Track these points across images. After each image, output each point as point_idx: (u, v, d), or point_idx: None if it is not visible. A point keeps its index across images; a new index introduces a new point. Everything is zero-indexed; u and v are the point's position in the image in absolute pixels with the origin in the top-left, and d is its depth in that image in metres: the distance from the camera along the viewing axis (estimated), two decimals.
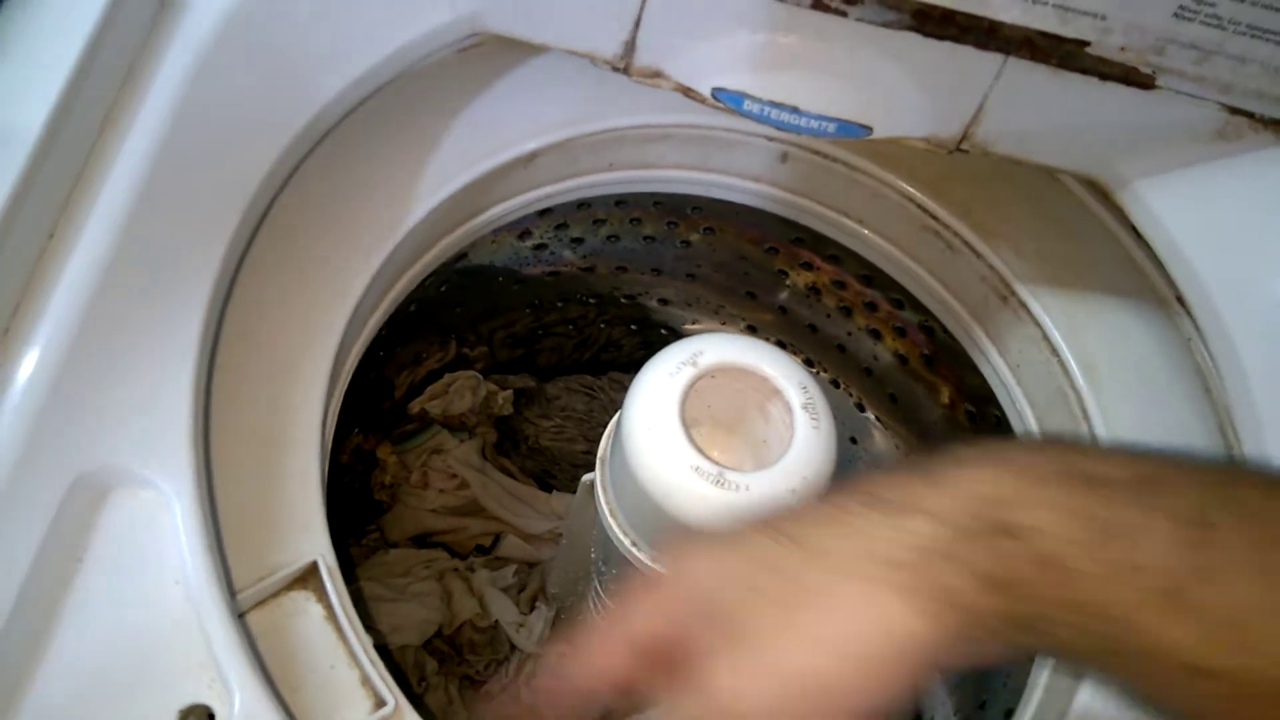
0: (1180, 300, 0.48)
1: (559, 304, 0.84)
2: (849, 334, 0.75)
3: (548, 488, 0.88)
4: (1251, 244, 0.42)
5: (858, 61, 0.43)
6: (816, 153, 0.58)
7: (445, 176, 0.52)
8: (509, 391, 0.88)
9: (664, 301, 0.84)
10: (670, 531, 0.46)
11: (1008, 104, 0.43)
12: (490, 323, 0.85)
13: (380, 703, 0.38)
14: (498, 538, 0.81)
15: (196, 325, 0.36)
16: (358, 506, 0.84)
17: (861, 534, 0.29)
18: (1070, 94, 0.41)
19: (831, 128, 0.45)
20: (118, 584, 0.34)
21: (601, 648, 0.33)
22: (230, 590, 0.36)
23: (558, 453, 0.91)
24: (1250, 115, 0.41)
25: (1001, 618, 0.28)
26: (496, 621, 0.75)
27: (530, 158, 0.55)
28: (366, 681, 0.39)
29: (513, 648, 0.76)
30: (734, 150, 0.59)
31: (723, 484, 0.44)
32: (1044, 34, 0.40)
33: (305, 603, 0.40)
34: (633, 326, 0.90)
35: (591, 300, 0.85)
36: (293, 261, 0.46)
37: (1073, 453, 0.30)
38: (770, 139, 0.58)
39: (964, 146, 0.45)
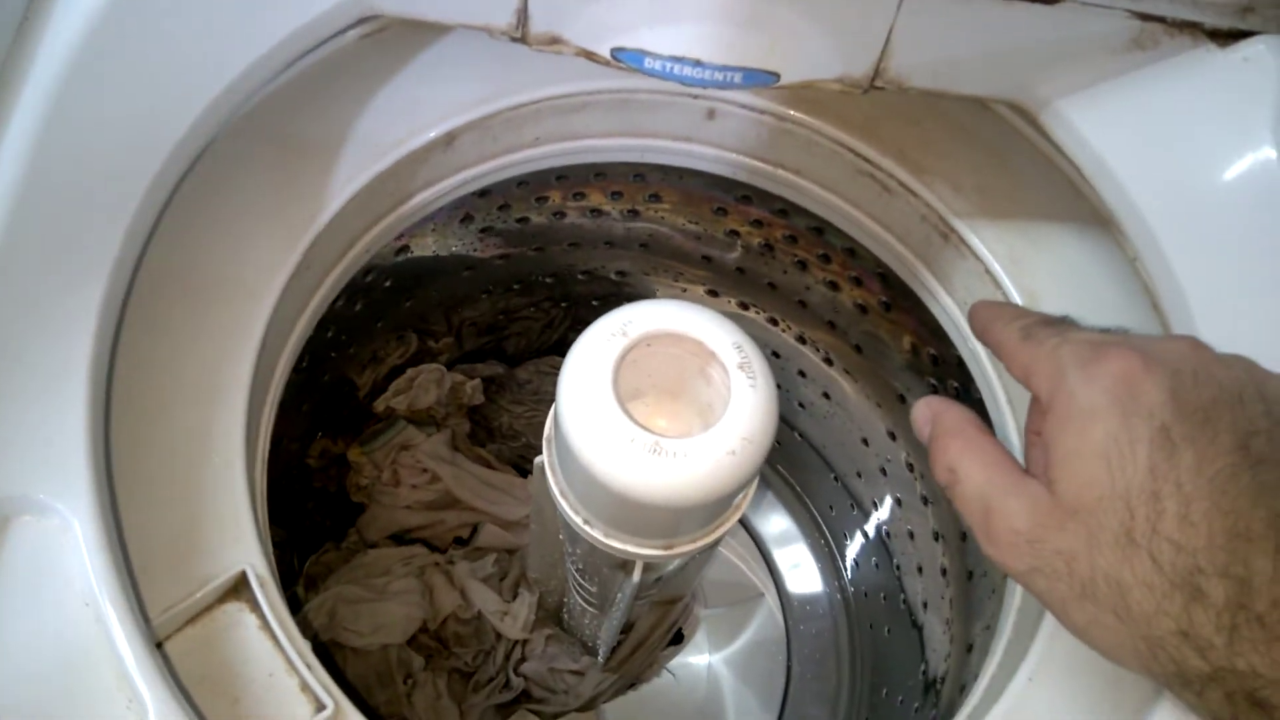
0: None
1: (516, 286, 0.83)
2: (807, 288, 0.73)
3: (526, 473, 0.87)
4: (1178, 152, 0.41)
5: (756, 7, 0.41)
6: (743, 106, 0.57)
7: (359, 167, 0.51)
8: (477, 381, 0.87)
9: (622, 274, 0.83)
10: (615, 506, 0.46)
11: (915, 35, 0.41)
12: (450, 313, 0.84)
13: (320, 706, 0.38)
14: (476, 528, 0.81)
15: (87, 345, 0.35)
16: (336, 511, 0.83)
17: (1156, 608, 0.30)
18: (976, 17, 0.40)
19: (738, 78, 0.43)
20: (25, 612, 0.33)
21: None
22: (143, 608, 0.35)
23: (533, 437, 0.90)
24: (1162, 20, 0.39)
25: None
26: (480, 612, 0.75)
27: (449, 139, 0.54)
28: (306, 687, 0.38)
29: (499, 636, 0.75)
30: (658, 112, 0.58)
31: (659, 452, 0.43)
32: None
33: (239, 614, 0.40)
34: (595, 302, 0.89)
35: (549, 279, 0.84)
36: (194, 269, 0.45)
37: None
38: (695, 97, 0.57)
39: (878, 84, 0.44)
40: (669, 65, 0.43)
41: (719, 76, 0.43)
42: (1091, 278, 0.50)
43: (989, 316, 0.40)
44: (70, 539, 0.34)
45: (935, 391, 0.68)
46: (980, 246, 0.52)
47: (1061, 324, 0.36)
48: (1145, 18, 0.39)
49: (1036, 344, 0.35)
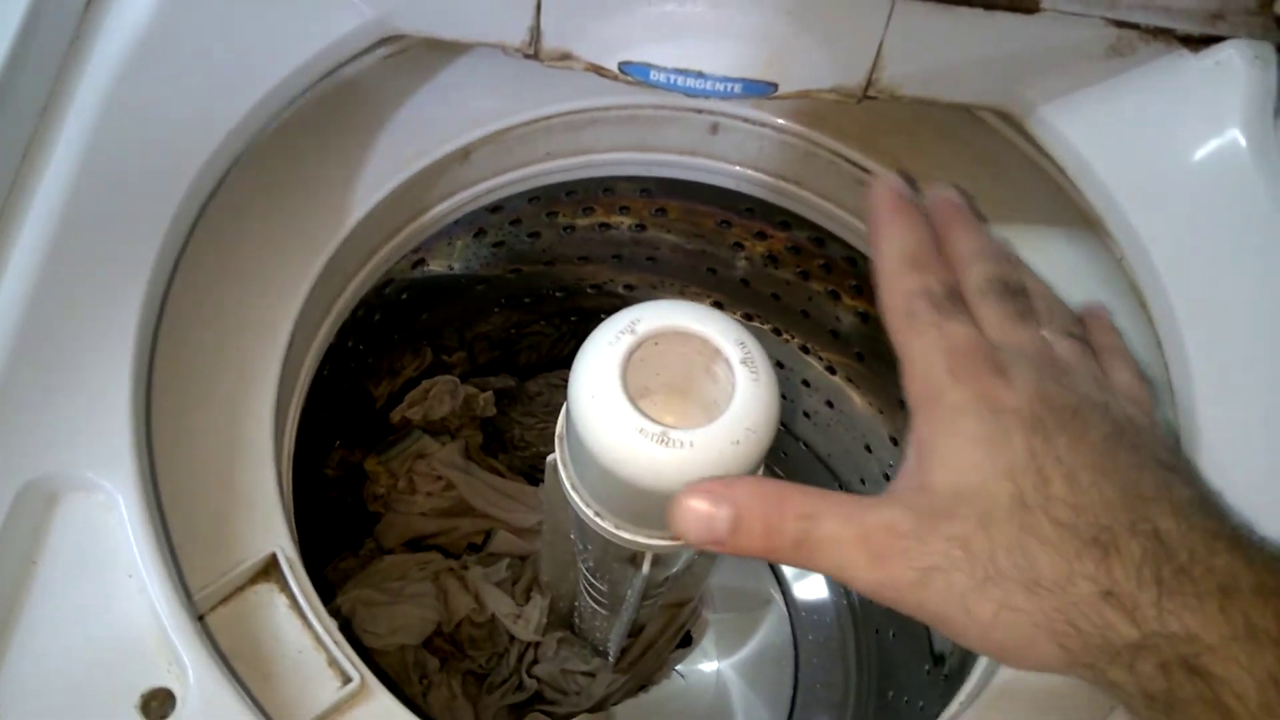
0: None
1: (527, 300, 0.86)
2: (809, 298, 0.76)
3: (536, 483, 0.89)
4: (1155, 150, 0.43)
5: (754, 21, 0.44)
6: (745, 120, 0.59)
7: (380, 179, 0.54)
8: (489, 393, 0.89)
9: (630, 288, 0.86)
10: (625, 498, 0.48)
11: (904, 46, 0.44)
12: (463, 327, 0.87)
13: (347, 679, 0.40)
14: (489, 534, 0.83)
15: (131, 333, 0.38)
16: (354, 521, 0.85)
17: (1068, 579, 0.28)
18: (961, 28, 0.42)
19: (737, 88, 0.46)
20: (74, 581, 0.35)
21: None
22: (183, 580, 0.37)
23: (544, 448, 0.92)
24: (1137, 27, 0.42)
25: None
26: (493, 615, 0.76)
27: (464, 153, 0.57)
28: (333, 662, 0.40)
29: (512, 639, 0.77)
30: (665, 127, 0.61)
31: (667, 443, 0.45)
32: None
33: (269, 594, 0.42)
34: (603, 316, 0.91)
35: (559, 294, 0.86)
36: (228, 271, 0.47)
37: None
38: (699, 111, 0.60)
39: (871, 93, 0.46)
40: (673, 77, 0.46)
41: (720, 87, 0.46)
42: (1079, 278, 0.52)
43: (883, 242, 0.38)
44: (116, 515, 0.36)
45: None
46: None
47: (948, 302, 0.35)
48: (1121, 25, 0.42)
49: (914, 330, 0.35)
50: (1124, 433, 0.32)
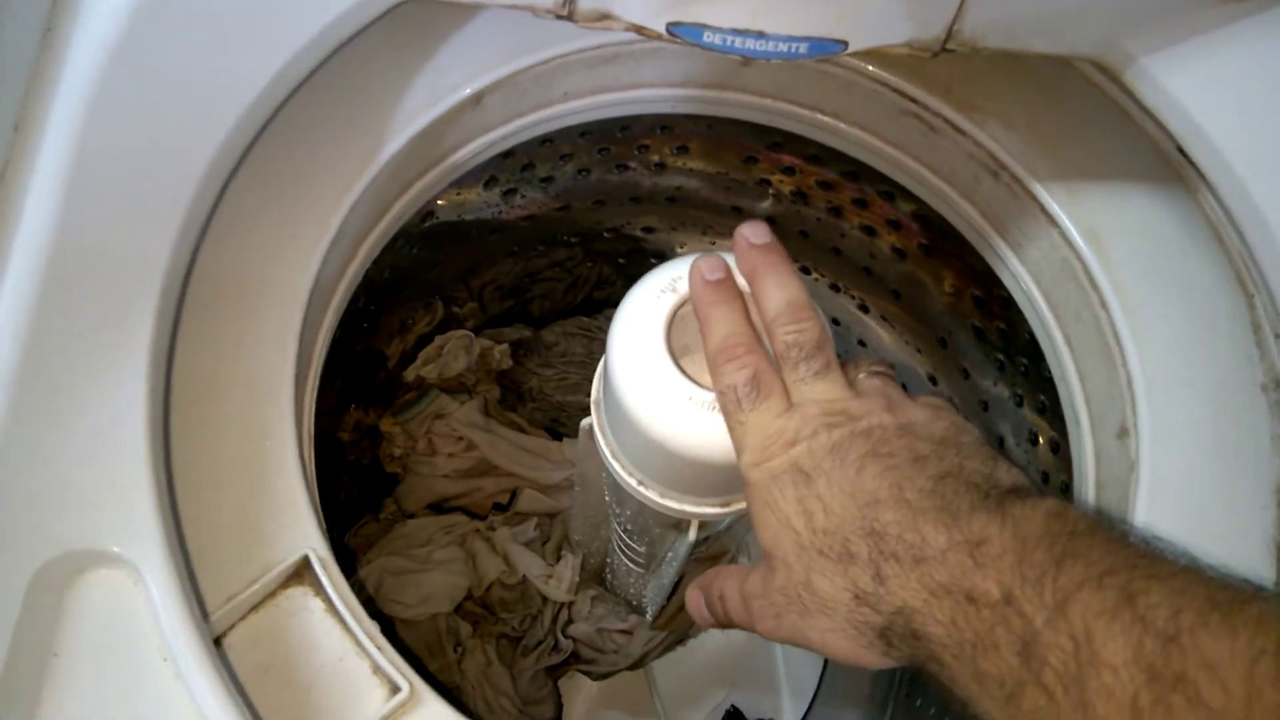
0: (1187, 157, 0.44)
1: (540, 247, 0.82)
2: (842, 235, 0.72)
3: (558, 436, 0.86)
4: (1272, 111, 0.38)
5: None
6: None
7: (391, 133, 0.49)
8: (505, 345, 0.85)
9: (649, 230, 0.81)
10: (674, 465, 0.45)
11: None
12: (475, 277, 0.83)
13: (395, 689, 0.37)
14: (514, 493, 0.80)
15: (143, 376, 0.34)
16: (371, 482, 0.83)
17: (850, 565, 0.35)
18: None
19: (803, 48, 0.41)
20: (100, 672, 0.32)
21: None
22: (203, 607, 0.34)
23: (564, 399, 0.89)
24: None
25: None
26: (524, 576, 0.74)
27: (477, 98, 0.52)
28: (378, 670, 0.37)
29: (545, 600, 0.75)
30: (692, 60, 0.56)
31: (718, 409, 0.42)
32: None
33: (304, 599, 0.39)
34: (620, 260, 0.87)
35: (574, 239, 0.82)
36: (242, 247, 0.43)
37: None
38: None
39: (950, 46, 0.41)
40: (730, 39, 0.41)
41: (784, 48, 0.41)
42: (1152, 212, 0.48)
43: (704, 338, 0.42)
44: (141, 591, 0.32)
45: (978, 334, 0.66)
46: (1035, 185, 0.50)
47: (752, 392, 0.39)
48: None
49: (730, 425, 0.40)
50: (882, 444, 0.36)
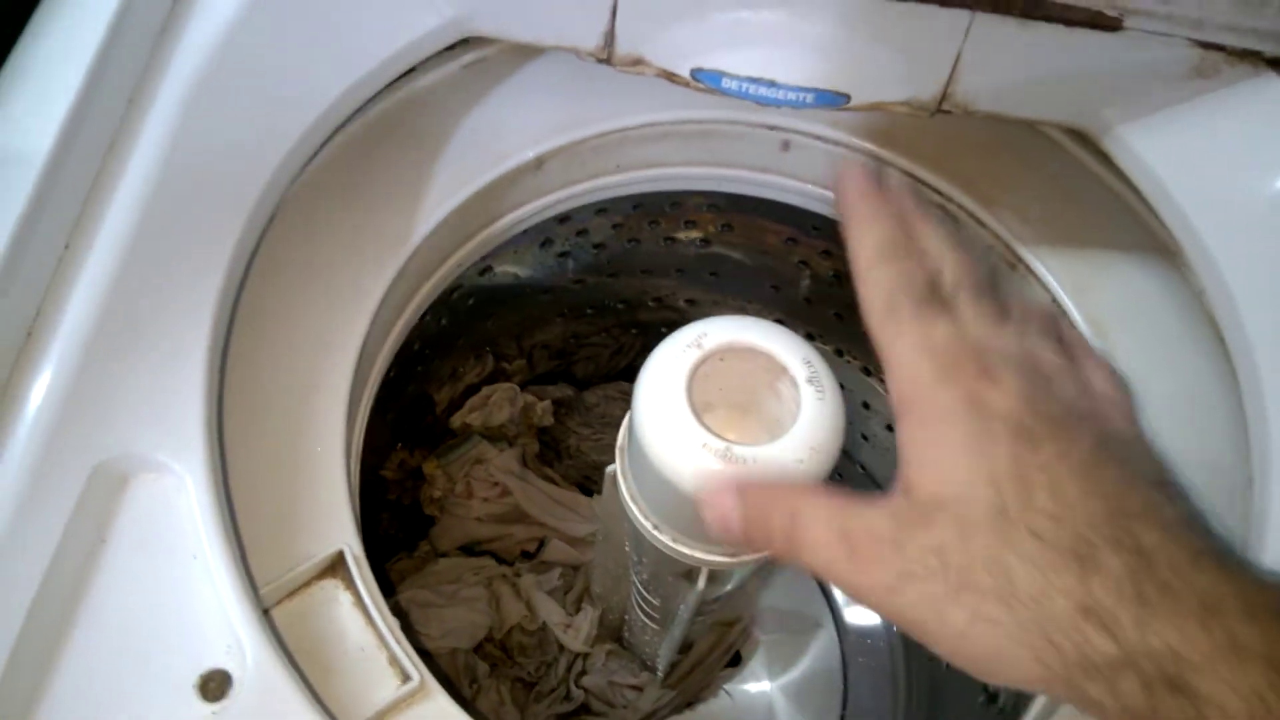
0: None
1: (589, 311, 0.86)
2: None
3: (590, 493, 0.89)
4: (1238, 177, 0.42)
5: (829, 31, 0.44)
6: (818, 138, 0.59)
7: (456, 186, 0.55)
8: (548, 402, 0.90)
9: (691, 302, 0.86)
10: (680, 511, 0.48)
11: (981, 59, 0.43)
12: (525, 335, 0.88)
13: (407, 678, 0.40)
14: (542, 542, 0.83)
15: (206, 326, 0.39)
16: (410, 523, 0.87)
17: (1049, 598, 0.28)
18: (1040, 43, 0.42)
19: (810, 98, 0.46)
20: (140, 561, 0.36)
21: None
22: (247, 566, 0.38)
23: (598, 459, 0.93)
24: (1222, 49, 0.41)
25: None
26: (544, 623, 0.77)
27: (538, 163, 0.57)
28: (395, 661, 0.41)
29: (561, 648, 0.77)
30: (737, 143, 0.61)
31: (729, 459, 0.45)
32: None
33: (335, 590, 0.42)
34: (663, 329, 0.91)
35: (620, 306, 0.87)
36: (303, 269, 0.48)
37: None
38: (771, 128, 0.60)
39: (945, 107, 0.46)
40: (745, 85, 0.46)
41: (792, 96, 0.46)
42: (1156, 307, 0.51)
43: (858, 232, 0.37)
44: (185, 498, 0.37)
45: None
46: (1046, 275, 0.53)
47: (929, 298, 0.34)
48: (1206, 46, 0.41)
49: (896, 328, 0.34)
50: (1110, 445, 0.31)
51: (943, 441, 0.31)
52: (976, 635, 0.28)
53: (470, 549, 0.83)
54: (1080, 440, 0.30)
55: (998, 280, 0.38)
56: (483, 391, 0.84)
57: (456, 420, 0.84)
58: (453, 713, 0.40)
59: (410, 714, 0.40)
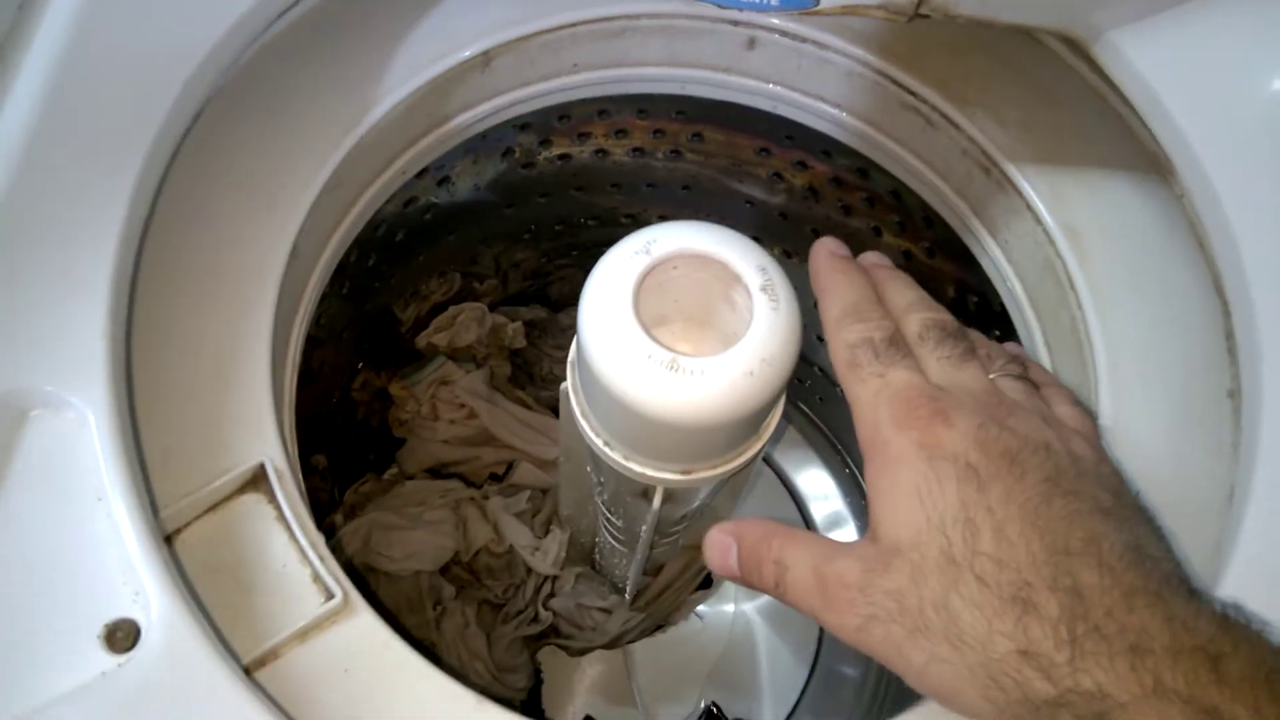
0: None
1: (558, 228, 0.83)
2: (850, 234, 0.72)
3: None
4: (1233, 89, 0.39)
5: None
6: (785, 34, 0.56)
7: (397, 83, 0.51)
8: (519, 323, 0.87)
9: (664, 218, 0.82)
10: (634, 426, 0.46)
11: None
12: (500, 254, 0.85)
13: (330, 595, 0.38)
14: (511, 465, 0.81)
15: (112, 246, 0.36)
16: (380, 445, 0.85)
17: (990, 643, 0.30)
18: None
19: (774, 1, 0.42)
20: (39, 504, 0.34)
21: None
22: (153, 503, 0.36)
23: None
24: None
25: None
26: (511, 546, 0.75)
27: (485, 60, 0.54)
28: (317, 578, 0.39)
29: (529, 571, 0.76)
30: (698, 40, 0.57)
31: (677, 370, 0.43)
32: None
33: (256, 505, 0.41)
34: None
35: (592, 222, 0.84)
36: (227, 177, 0.45)
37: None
38: (734, 24, 0.56)
39: (923, 11, 0.42)
40: None
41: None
42: (1136, 214, 0.48)
43: (826, 297, 0.40)
44: (86, 434, 0.34)
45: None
46: (1022, 181, 0.50)
47: (890, 350, 0.36)
48: None
49: (859, 380, 0.36)
50: (1062, 476, 0.32)
51: (897, 487, 0.33)
52: (933, 673, 0.31)
53: (438, 472, 0.81)
54: (1030, 474, 0.32)
55: (964, 329, 0.38)
56: (449, 311, 0.82)
57: (422, 340, 0.82)
58: (377, 629, 0.38)
59: (333, 632, 0.38)
